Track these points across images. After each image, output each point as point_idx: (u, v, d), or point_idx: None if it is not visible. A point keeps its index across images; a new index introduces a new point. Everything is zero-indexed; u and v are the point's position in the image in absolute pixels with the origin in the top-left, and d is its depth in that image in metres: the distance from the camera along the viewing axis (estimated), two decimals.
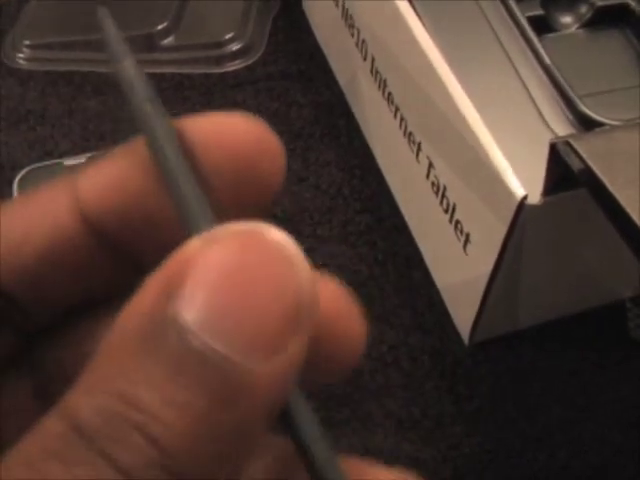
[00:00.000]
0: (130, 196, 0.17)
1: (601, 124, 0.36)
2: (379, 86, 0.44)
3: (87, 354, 0.18)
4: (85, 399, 0.14)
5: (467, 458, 0.37)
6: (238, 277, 0.14)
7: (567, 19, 0.44)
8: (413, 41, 0.38)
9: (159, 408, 0.13)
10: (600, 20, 0.43)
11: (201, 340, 0.13)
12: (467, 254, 0.37)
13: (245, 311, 0.13)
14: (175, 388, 0.13)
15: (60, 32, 0.54)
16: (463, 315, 0.40)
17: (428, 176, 0.39)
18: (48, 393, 0.19)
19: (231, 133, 0.17)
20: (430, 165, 0.39)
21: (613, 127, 0.34)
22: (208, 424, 0.13)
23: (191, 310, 0.13)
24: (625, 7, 0.42)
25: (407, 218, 0.45)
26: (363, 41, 0.45)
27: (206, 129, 0.17)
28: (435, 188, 0.39)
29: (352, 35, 0.47)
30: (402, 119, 0.42)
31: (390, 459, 0.37)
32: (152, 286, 0.14)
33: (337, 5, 0.48)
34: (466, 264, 0.37)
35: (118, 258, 0.18)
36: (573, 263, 0.38)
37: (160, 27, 0.53)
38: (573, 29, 0.43)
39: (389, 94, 0.43)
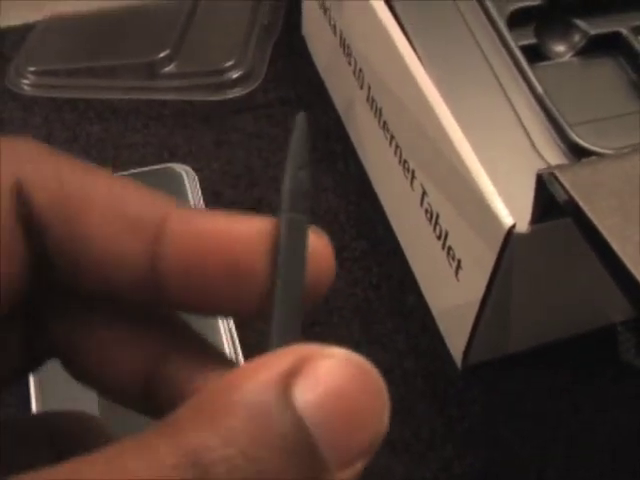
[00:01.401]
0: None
1: (592, 152, 0.36)
2: (375, 114, 0.45)
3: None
4: (210, 442, 0.15)
5: (458, 479, 0.37)
6: (351, 396, 0.16)
7: (560, 48, 0.44)
8: (406, 71, 0.38)
9: (274, 475, 0.15)
10: (593, 49, 0.43)
11: (310, 434, 0.15)
12: (459, 280, 0.38)
13: (349, 427, 0.16)
14: (282, 463, 0.15)
15: (65, 59, 0.55)
16: (455, 340, 0.41)
17: (422, 203, 0.40)
18: (34, 346, 0.21)
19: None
20: (424, 193, 0.40)
21: (599, 158, 0.35)
22: None
23: (313, 408, 0.15)
24: (618, 35, 0.43)
25: (402, 244, 0.46)
26: (360, 70, 0.46)
27: None
28: (429, 215, 0.40)
29: (349, 63, 0.48)
30: (397, 147, 0.42)
31: None
32: (272, 365, 0.16)
33: (335, 34, 0.49)
34: (458, 290, 0.38)
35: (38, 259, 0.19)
36: (563, 290, 0.38)
37: (162, 55, 0.54)
38: (567, 57, 0.44)
39: (384, 123, 0.44)
